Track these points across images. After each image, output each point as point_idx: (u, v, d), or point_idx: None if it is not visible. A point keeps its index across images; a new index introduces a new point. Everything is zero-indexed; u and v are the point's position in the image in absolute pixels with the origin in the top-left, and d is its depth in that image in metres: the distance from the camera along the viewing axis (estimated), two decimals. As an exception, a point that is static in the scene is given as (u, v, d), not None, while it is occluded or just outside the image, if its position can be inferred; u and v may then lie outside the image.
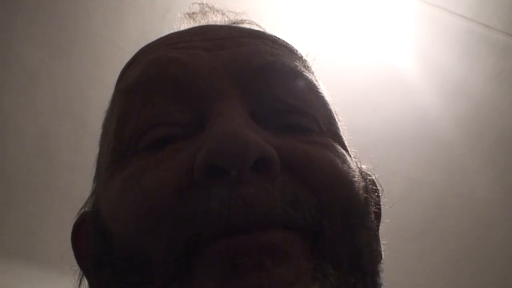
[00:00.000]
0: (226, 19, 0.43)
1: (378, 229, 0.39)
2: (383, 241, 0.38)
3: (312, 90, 0.36)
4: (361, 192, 0.33)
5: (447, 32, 1.67)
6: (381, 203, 0.40)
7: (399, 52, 1.69)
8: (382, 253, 0.37)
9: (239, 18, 0.43)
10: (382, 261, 0.35)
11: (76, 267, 0.39)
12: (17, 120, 1.62)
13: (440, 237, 1.96)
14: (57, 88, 1.59)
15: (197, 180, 0.28)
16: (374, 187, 0.40)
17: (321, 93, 0.36)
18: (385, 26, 1.65)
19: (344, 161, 0.33)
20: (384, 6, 1.62)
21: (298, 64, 0.36)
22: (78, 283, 0.39)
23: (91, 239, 0.35)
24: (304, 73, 0.36)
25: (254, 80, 0.33)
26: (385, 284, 0.35)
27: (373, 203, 0.37)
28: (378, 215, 0.39)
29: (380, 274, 0.34)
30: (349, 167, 0.33)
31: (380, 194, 0.40)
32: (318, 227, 0.29)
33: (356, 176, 0.33)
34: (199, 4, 0.44)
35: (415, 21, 1.65)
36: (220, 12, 0.43)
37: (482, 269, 1.99)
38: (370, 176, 0.40)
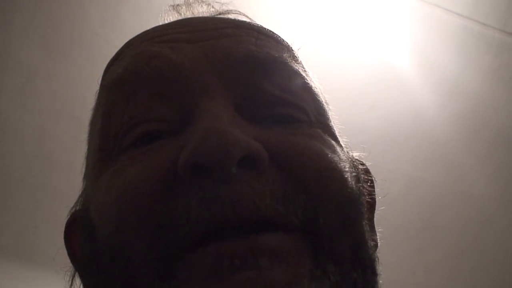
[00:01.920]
0: (212, 9, 0.42)
1: (373, 218, 0.39)
2: (382, 239, 0.38)
3: (299, 80, 0.35)
4: (353, 183, 0.32)
5: (443, 30, 1.67)
6: (375, 192, 0.40)
7: (396, 51, 1.70)
8: (379, 242, 0.37)
9: (225, 8, 0.42)
10: (380, 258, 0.35)
11: (69, 267, 0.39)
12: (15, 120, 1.62)
13: (439, 234, 1.96)
14: (54, 87, 1.59)
15: (181, 178, 0.28)
16: (367, 177, 0.39)
17: (308, 83, 0.36)
18: (382, 25, 1.65)
19: (334, 152, 0.33)
20: (380, 4, 1.62)
21: (284, 55, 0.35)
22: (70, 282, 0.39)
23: (81, 238, 0.35)
24: (290, 63, 0.35)
25: (237, 71, 0.33)
26: (385, 281, 0.35)
27: (366, 193, 0.36)
28: (371, 204, 0.39)
29: (377, 262, 0.34)
30: (339, 159, 0.33)
31: (373, 184, 0.40)
32: (313, 224, 0.29)
33: (347, 167, 0.33)
34: None
35: (412, 19, 1.65)
36: (205, 3, 0.42)
37: (481, 266, 2.00)
38: (362, 165, 0.39)
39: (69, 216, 0.40)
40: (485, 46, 1.69)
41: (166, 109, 0.32)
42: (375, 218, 0.39)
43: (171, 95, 0.32)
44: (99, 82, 0.39)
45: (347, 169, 0.32)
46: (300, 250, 0.28)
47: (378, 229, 0.39)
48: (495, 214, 1.95)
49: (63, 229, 0.40)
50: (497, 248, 1.99)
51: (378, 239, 0.38)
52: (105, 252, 0.30)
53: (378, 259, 0.34)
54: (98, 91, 0.39)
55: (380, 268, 0.34)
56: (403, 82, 1.74)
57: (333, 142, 0.34)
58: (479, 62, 1.72)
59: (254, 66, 0.33)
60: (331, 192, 0.30)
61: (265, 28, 0.37)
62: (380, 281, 0.34)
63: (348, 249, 0.30)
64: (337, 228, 0.30)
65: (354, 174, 0.34)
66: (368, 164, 0.41)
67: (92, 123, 0.38)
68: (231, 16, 0.40)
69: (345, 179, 0.32)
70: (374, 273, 0.33)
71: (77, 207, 0.39)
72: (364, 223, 0.33)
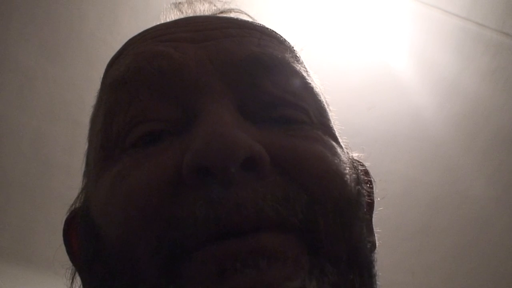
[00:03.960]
0: (214, 8, 0.42)
1: (371, 219, 0.39)
2: (381, 240, 0.38)
3: (301, 81, 0.35)
4: (353, 184, 0.33)
5: (441, 31, 1.67)
6: (374, 193, 0.40)
7: (393, 52, 1.70)
8: (377, 242, 0.37)
9: (227, 7, 0.42)
10: (379, 259, 0.35)
11: (68, 268, 0.39)
12: (12, 122, 1.61)
13: (438, 235, 1.96)
14: (52, 89, 1.59)
15: (185, 180, 0.28)
16: (367, 178, 0.39)
17: (310, 84, 0.36)
18: (380, 26, 1.66)
19: (335, 154, 0.33)
20: (378, 6, 1.62)
21: (286, 56, 0.35)
22: (71, 281, 0.39)
23: (81, 236, 0.35)
24: (292, 64, 0.35)
25: (240, 72, 0.33)
26: (384, 282, 0.35)
27: (365, 194, 0.36)
28: (370, 205, 0.39)
29: (375, 263, 0.34)
30: (340, 160, 0.33)
31: (372, 185, 0.40)
32: (312, 225, 0.29)
33: (347, 168, 0.33)
34: None
35: (410, 20, 1.65)
36: (207, 1, 0.42)
37: (480, 266, 2.00)
38: (362, 166, 0.40)
39: (68, 213, 0.40)
40: (483, 47, 1.69)
41: (168, 108, 0.32)
42: (373, 219, 0.40)
43: (174, 95, 0.32)
44: (99, 82, 0.39)
45: (347, 172, 0.32)
46: (298, 250, 0.28)
47: (377, 229, 0.39)
48: (493, 215, 1.95)
49: (61, 231, 0.40)
50: (495, 248, 1.99)
51: (377, 240, 0.38)
52: (111, 253, 0.30)
53: (376, 261, 0.34)
54: (99, 89, 0.39)
55: (379, 269, 0.34)
56: (401, 83, 1.74)
57: (333, 143, 0.34)
58: (477, 63, 1.72)
59: (257, 67, 0.33)
60: (331, 195, 0.30)
61: (267, 28, 0.37)
62: (379, 282, 0.34)
63: (346, 251, 0.30)
64: (336, 230, 0.30)
65: (354, 176, 0.34)
66: (366, 165, 0.41)
67: (93, 121, 0.38)
68: (233, 15, 0.41)
69: (345, 182, 0.32)
70: (371, 275, 0.33)
71: (77, 204, 0.39)
72: (362, 225, 0.33)
